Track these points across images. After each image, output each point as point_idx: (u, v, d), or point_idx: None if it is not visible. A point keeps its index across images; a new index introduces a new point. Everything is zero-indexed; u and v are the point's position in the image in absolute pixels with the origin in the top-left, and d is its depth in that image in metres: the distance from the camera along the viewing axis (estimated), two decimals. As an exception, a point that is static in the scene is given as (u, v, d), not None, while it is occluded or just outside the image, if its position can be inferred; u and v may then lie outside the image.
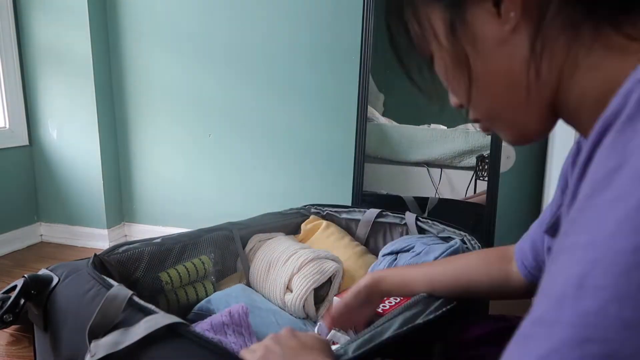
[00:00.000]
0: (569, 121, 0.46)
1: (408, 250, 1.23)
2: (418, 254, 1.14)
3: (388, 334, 0.68)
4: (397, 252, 1.24)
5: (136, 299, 0.73)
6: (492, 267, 0.74)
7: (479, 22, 0.44)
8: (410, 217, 1.38)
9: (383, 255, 1.27)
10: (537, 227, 0.67)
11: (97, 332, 0.67)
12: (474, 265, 0.77)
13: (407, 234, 1.39)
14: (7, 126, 2.03)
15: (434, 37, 0.48)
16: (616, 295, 0.25)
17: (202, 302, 1.08)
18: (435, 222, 1.34)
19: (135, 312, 0.70)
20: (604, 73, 0.40)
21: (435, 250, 1.12)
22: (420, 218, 1.37)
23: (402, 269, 0.86)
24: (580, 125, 0.45)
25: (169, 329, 0.65)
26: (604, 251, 0.26)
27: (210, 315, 1.06)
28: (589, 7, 0.39)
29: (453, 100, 0.52)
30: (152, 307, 0.71)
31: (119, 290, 0.74)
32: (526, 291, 0.71)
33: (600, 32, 0.40)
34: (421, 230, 1.35)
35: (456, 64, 0.47)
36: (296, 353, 0.58)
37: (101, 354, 0.63)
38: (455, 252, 1.11)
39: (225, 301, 1.05)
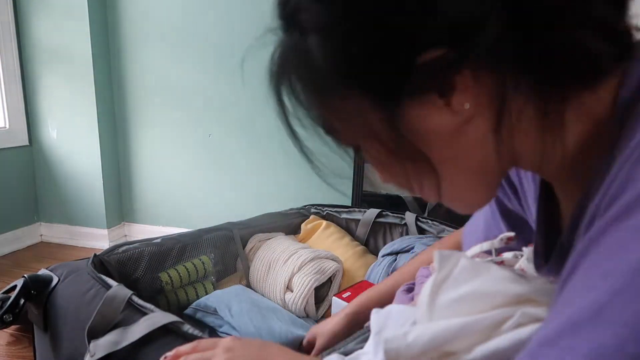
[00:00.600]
0: (532, 170, 0.44)
1: (408, 251, 1.23)
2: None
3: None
4: (396, 253, 1.24)
5: (135, 298, 0.73)
6: None
7: (425, 115, 0.37)
8: (410, 217, 1.38)
9: (382, 256, 1.27)
10: (483, 215, 0.67)
11: (97, 332, 0.67)
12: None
13: (407, 234, 1.39)
14: (7, 126, 2.03)
15: (370, 134, 0.40)
16: (635, 334, 0.24)
17: (202, 299, 1.08)
18: (435, 222, 1.34)
19: (134, 312, 0.70)
20: (563, 140, 0.37)
21: None
22: (420, 218, 1.37)
23: (378, 286, 0.87)
24: (546, 173, 0.43)
25: (167, 328, 0.65)
26: (627, 283, 0.25)
27: (208, 312, 1.06)
28: (546, 79, 0.36)
29: (387, 180, 0.47)
30: (151, 306, 0.71)
31: (118, 290, 0.74)
32: None
33: (565, 102, 0.37)
34: (421, 231, 1.35)
35: (408, 160, 0.41)
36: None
37: (100, 354, 0.63)
38: None
39: (226, 299, 1.05)
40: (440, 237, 1.30)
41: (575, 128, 0.37)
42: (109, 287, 0.78)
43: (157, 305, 0.73)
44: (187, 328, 0.64)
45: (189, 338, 0.63)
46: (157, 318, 0.65)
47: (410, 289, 0.76)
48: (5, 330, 1.33)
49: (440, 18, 0.33)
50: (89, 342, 0.65)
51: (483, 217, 0.69)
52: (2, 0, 1.93)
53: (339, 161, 0.47)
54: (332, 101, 0.40)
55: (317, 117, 0.42)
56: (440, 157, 0.40)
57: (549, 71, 0.35)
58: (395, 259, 1.22)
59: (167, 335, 0.64)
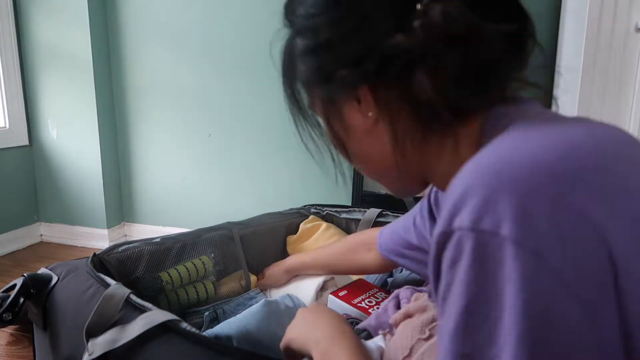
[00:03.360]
0: (440, 188, 0.55)
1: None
2: None
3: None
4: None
5: (133, 297, 0.73)
6: (355, 253, 1.06)
7: (349, 115, 0.52)
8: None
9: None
10: (404, 221, 0.90)
11: (95, 330, 0.67)
12: (341, 252, 1.11)
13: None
14: (7, 126, 2.03)
15: (319, 114, 0.57)
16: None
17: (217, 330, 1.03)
18: (435, 222, 1.34)
19: (132, 311, 0.70)
20: (458, 160, 0.47)
21: None
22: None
23: (313, 253, 1.19)
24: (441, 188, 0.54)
25: (165, 326, 0.65)
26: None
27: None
28: (428, 117, 0.47)
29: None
30: (149, 305, 0.71)
31: (117, 289, 0.74)
32: (381, 267, 1.03)
33: (446, 130, 0.48)
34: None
35: (333, 141, 0.57)
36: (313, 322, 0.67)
37: (99, 352, 0.63)
38: None
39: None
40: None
41: (451, 149, 0.49)
42: (107, 285, 0.78)
43: (158, 305, 0.73)
44: (185, 326, 0.64)
45: (187, 336, 0.63)
46: (154, 316, 0.65)
47: (397, 304, 0.83)
48: (5, 330, 1.33)
49: (345, 54, 0.49)
50: (87, 341, 0.65)
51: (402, 222, 0.90)
52: (2, 0, 1.94)
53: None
54: (303, 90, 0.57)
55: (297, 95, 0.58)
56: (355, 147, 0.55)
57: (420, 110, 0.47)
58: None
59: (165, 333, 0.63)
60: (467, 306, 0.35)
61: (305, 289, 1.16)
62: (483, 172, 0.36)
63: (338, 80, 0.49)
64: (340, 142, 0.55)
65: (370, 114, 0.50)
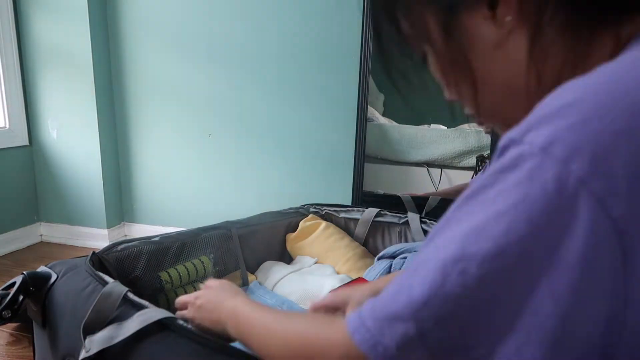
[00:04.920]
0: None
1: (404, 253, 1.23)
2: None
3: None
4: (391, 257, 1.25)
5: (131, 295, 0.73)
6: None
7: (475, 25, 0.43)
8: (413, 218, 1.38)
9: (378, 259, 1.28)
10: None
11: (92, 328, 0.67)
12: None
13: (405, 233, 1.39)
14: (7, 126, 2.03)
15: (428, 38, 0.47)
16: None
17: None
18: (433, 222, 1.34)
19: (129, 308, 0.70)
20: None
21: None
22: (420, 218, 1.38)
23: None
24: None
25: (161, 324, 0.65)
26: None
27: None
28: (584, 9, 0.39)
29: (448, 94, 0.51)
30: (146, 302, 0.71)
31: (114, 287, 0.74)
32: None
33: (596, 35, 0.40)
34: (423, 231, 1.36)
35: (454, 66, 0.47)
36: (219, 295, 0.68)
37: (95, 349, 0.63)
38: None
39: None
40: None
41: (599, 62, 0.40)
42: (105, 283, 0.78)
43: (157, 304, 0.73)
44: (181, 323, 0.65)
45: (183, 333, 0.63)
46: (150, 313, 0.65)
47: None
48: (5, 330, 1.34)
49: None
50: (85, 338, 0.66)
51: None
52: (2, 0, 1.94)
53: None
54: (409, 14, 0.48)
55: (401, 28, 0.49)
56: (481, 67, 0.45)
57: (585, 3, 0.39)
58: (391, 264, 1.22)
59: (161, 331, 0.64)
60: (498, 216, 0.33)
61: (316, 289, 1.17)
62: (593, 92, 0.33)
63: None
64: (462, 64, 0.46)
65: (508, 18, 0.41)
